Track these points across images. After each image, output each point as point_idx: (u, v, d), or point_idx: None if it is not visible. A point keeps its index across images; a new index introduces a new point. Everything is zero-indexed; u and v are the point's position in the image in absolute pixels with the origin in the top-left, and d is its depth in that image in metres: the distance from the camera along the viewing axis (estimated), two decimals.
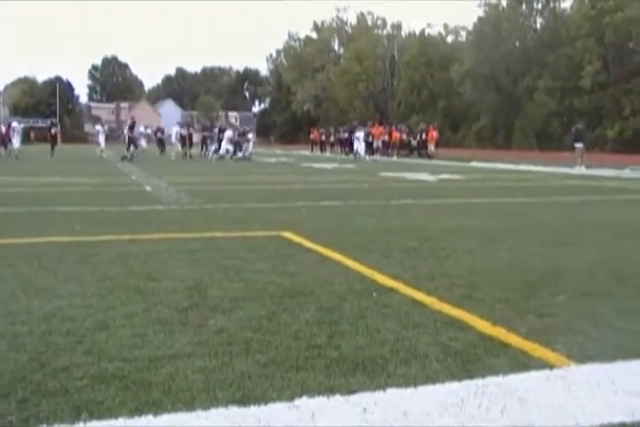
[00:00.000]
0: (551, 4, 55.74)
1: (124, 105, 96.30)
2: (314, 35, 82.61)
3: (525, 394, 2.54)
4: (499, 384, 2.64)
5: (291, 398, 2.47)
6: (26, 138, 39.24)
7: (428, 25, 74.15)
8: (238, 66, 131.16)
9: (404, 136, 35.98)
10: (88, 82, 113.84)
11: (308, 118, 74.90)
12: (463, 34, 66.34)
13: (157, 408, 2.38)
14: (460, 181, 16.25)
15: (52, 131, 32.83)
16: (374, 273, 4.75)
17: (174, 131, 33.21)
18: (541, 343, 3.16)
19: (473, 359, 2.94)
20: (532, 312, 3.74)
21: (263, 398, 2.48)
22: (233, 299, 3.97)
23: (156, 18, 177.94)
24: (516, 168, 23.58)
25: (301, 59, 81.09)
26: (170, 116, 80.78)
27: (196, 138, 33.74)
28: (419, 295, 4.10)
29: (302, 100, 77.42)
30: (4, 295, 4.02)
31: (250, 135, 31.76)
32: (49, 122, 41.51)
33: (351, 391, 2.55)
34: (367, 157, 31.20)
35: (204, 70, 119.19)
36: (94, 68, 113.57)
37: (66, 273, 4.68)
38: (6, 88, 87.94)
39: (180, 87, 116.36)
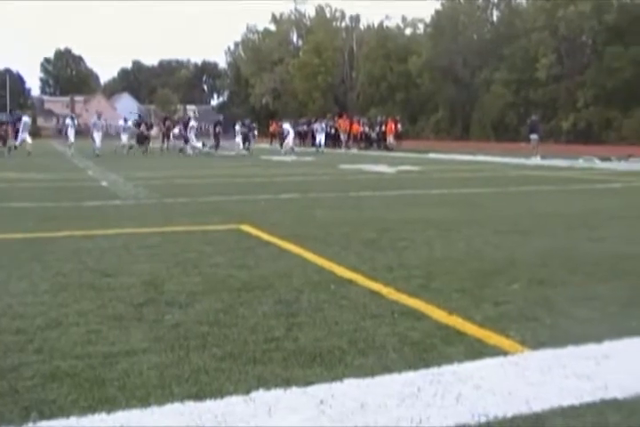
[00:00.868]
0: None
1: (78, 98, 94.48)
2: (272, 27, 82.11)
3: (480, 381, 2.58)
4: (454, 372, 2.67)
5: (247, 392, 2.46)
6: None
7: (386, 17, 74.58)
8: (196, 59, 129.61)
9: (366, 129, 36.07)
10: (41, 75, 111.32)
11: (267, 111, 74.40)
12: (421, 26, 66.82)
13: (111, 406, 2.34)
14: (419, 173, 16.38)
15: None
16: (333, 265, 4.75)
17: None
18: (496, 331, 3.21)
19: (429, 349, 2.97)
20: (488, 301, 3.80)
21: (220, 392, 2.46)
22: (190, 293, 3.94)
23: (112, 10, 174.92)
24: (473, 159, 23.88)
25: (260, 51, 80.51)
26: (126, 109, 79.40)
27: (155, 132, 33.23)
28: (377, 286, 4.12)
29: (261, 92, 76.94)
30: None
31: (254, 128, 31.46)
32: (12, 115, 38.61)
33: (308, 383, 2.55)
34: (324, 149, 31.31)
35: (162, 63, 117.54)
36: (47, 60, 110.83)
37: (18, 271, 4.57)
38: None
39: (136, 80, 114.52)
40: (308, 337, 3.13)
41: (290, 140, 29.76)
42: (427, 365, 2.75)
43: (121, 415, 2.27)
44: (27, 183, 12.87)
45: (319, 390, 2.49)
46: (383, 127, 35.08)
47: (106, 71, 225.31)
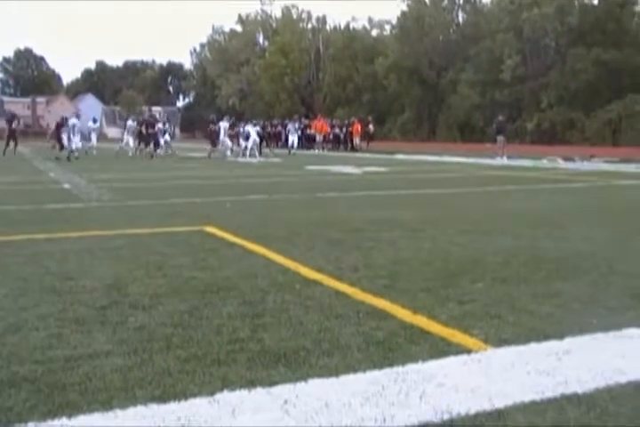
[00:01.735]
0: None
1: (40, 100, 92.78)
2: (238, 28, 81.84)
3: (444, 379, 2.60)
4: (418, 371, 2.68)
5: (211, 393, 2.44)
6: None
7: (353, 19, 74.85)
8: (162, 60, 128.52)
9: (337, 130, 36.00)
10: (0, 75, 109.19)
11: (234, 112, 74.10)
12: (387, 28, 67.34)
13: (72, 410, 2.30)
14: (385, 174, 16.47)
15: (13, 125, 29.87)
16: (298, 266, 4.75)
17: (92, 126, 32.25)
18: (460, 329, 3.24)
19: (394, 348, 2.98)
20: (452, 300, 3.83)
21: (184, 394, 2.44)
22: (154, 295, 3.89)
23: (75, 9, 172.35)
24: (439, 160, 24.09)
25: (226, 52, 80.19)
26: (90, 111, 78.30)
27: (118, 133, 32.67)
28: (342, 287, 4.12)
29: (227, 94, 76.60)
30: None
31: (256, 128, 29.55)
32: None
33: (272, 384, 2.54)
34: (295, 151, 31.09)
35: (126, 64, 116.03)
36: (6, 60, 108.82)
37: None
38: None
39: (100, 81, 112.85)
40: (272, 338, 3.12)
41: (250, 142, 28.19)
42: (391, 364, 2.76)
43: (82, 419, 2.23)
44: None
45: (283, 390, 2.48)
46: (350, 128, 35.16)
47: (69, 72, 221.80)
